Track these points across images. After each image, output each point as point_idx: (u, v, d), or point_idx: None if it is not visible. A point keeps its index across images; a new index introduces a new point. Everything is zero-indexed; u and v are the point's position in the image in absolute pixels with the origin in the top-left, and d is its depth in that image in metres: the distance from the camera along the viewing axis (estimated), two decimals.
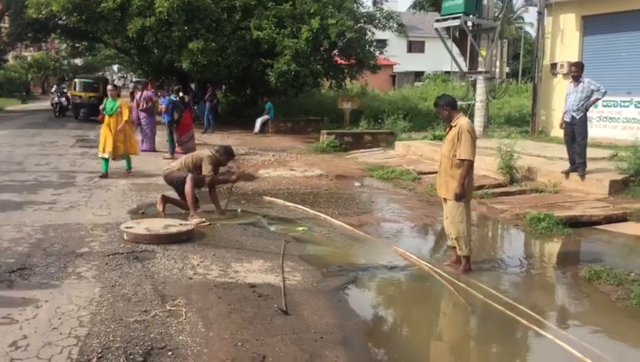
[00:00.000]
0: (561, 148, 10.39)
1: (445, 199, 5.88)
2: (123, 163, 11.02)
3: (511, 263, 6.39)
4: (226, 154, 7.88)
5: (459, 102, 17.81)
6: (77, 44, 34.38)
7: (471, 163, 5.58)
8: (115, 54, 41.03)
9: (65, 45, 40.17)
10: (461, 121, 5.65)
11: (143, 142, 14.53)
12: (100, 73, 73.80)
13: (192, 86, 24.02)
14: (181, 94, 15.27)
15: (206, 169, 7.52)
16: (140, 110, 14.54)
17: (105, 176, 10.40)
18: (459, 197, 5.62)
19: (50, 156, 12.91)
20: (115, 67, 73.71)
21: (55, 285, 4.96)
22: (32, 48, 48.39)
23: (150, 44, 18.83)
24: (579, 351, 4.11)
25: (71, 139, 16.17)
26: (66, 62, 48.34)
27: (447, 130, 5.89)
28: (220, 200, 8.00)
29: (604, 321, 4.90)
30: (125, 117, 10.67)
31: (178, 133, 13.92)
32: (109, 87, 11.26)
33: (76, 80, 24.87)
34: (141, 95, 14.84)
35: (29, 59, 45.83)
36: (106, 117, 10.61)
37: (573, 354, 4.09)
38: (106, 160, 10.54)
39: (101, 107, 10.86)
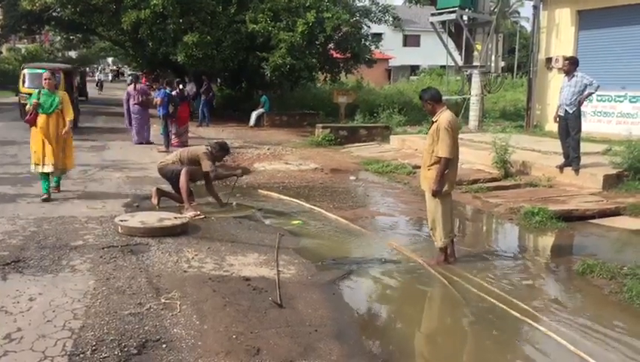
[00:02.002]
0: (555, 142, 10.42)
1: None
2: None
3: (505, 257, 6.42)
4: (222, 149, 7.88)
5: (455, 97, 17.94)
6: (71, 37, 34.22)
7: (447, 160, 5.58)
8: (110, 47, 40.85)
9: (59, 37, 39.97)
10: (442, 117, 5.63)
11: (136, 134, 14.56)
12: (96, 66, 72.61)
13: (187, 79, 23.91)
14: (181, 87, 15.28)
15: (206, 165, 7.52)
16: (135, 103, 14.52)
17: (48, 198, 7.87)
18: (434, 193, 5.69)
19: None
20: (110, 60, 73.24)
21: (49, 278, 4.95)
22: (25, 40, 48.06)
23: (145, 36, 18.77)
24: (571, 343, 4.14)
25: None
26: (60, 54, 48.04)
27: (430, 124, 5.90)
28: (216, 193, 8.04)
29: (596, 315, 4.92)
30: (69, 116, 8.03)
31: (176, 125, 13.97)
32: (46, 74, 8.21)
33: (25, 71, 16.77)
34: (134, 88, 14.81)
35: (23, 51, 45.51)
36: (42, 116, 7.86)
37: (566, 347, 4.12)
38: (47, 175, 7.94)
39: (32, 102, 7.85)
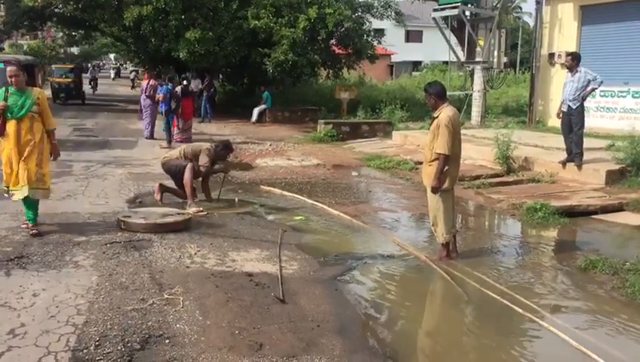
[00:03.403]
0: (558, 138, 10.41)
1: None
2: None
3: (507, 253, 6.42)
4: (225, 148, 7.90)
5: (457, 92, 17.87)
6: (73, 33, 34.23)
7: (446, 157, 5.56)
8: (112, 43, 40.92)
9: (61, 34, 39.97)
10: (443, 113, 5.61)
11: (147, 127, 14.73)
12: (96, 62, 71.22)
13: (191, 75, 23.95)
14: (185, 82, 15.35)
15: (203, 160, 7.54)
16: (147, 96, 14.68)
17: (37, 231, 6.06)
18: (434, 190, 5.69)
19: None
20: (112, 56, 73.09)
21: (52, 274, 4.96)
22: (28, 37, 48.04)
23: (147, 32, 18.77)
24: (574, 339, 4.14)
25: (67, 128, 16.13)
26: (62, 50, 48.04)
27: (432, 120, 5.89)
28: (212, 190, 8.04)
29: (599, 310, 4.92)
30: (50, 124, 6.14)
31: (182, 120, 14.04)
32: (11, 69, 6.01)
33: None
34: (148, 83, 14.96)
35: (25, 47, 45.53)
36: (11, 123, 5.92)
37: (569, 343, 4.12)
38: (29, 200, 6.07)
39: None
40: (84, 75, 33.57)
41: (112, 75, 56.51)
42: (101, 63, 77.86)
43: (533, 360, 4.14)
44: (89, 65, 48.37)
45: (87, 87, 32.17)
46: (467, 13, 16.15)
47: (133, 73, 43.20)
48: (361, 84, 25.99)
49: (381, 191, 9.71)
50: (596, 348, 4.01)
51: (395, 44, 40.73)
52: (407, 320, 4.72)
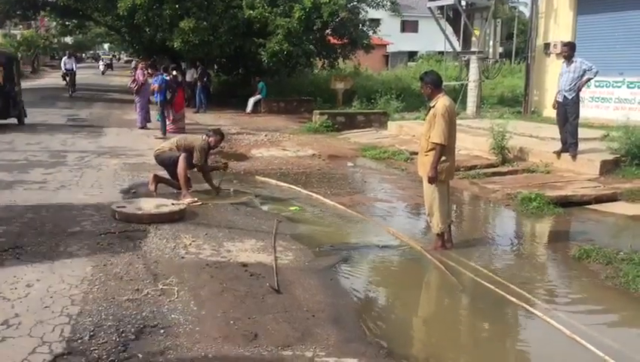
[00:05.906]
0: (553, 128, 10.42)
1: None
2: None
3: (502, 242, 6.44)
4: (216, 135, 7.86)
5: (453, 83, 17.84)
6: (67, 22, 33.93)
7: (442, 147, 5.56)
8: (106, 33, 40.63)
9: (55, 23, 39.64)
10: (439, 103, 5.60)
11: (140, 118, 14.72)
12: (91, 52, 70.60)
13: (186, 65, 23.81)
14: (174, 73, 15.25)
15: (196, 159, 7.52)
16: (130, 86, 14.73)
17: None
18: (431, 180, 5.68)
19: (41, 135, 12.80)
20: (106, 46, 72.44)
21: (47, 264, 4.94)
22: (21, 26, 47.65)
23: (141, 22, 18.63)
24: (568, 328, 4.16)
25: (61, 118, 16.04)
26: (56, 40, 47.68)
27: (427, 110, 5.87)
28: (213, 180, 8.03)
29: (593, 299, 4.95)
30: None
31: (173, 110, 13.99)
32: None
33: None
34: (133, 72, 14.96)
35: (19, 37, 45.14)
36: None
37: (562, 332, 4.14)
38: None
39: None
40: (65, 66, 23.19)
41: (102, 69, 44.74)
42: (99, 53, 75.75)
43: (527, 349, 4.17)
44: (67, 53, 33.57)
45: (62, 84, 24.00)
46: (463, 2, 16.11)
47: (134, 62, 42.30)
48: (356, 75, 25.89)
49: (376, 181, 9.71)
50: (590, 337, 4.03)
51: (390, 34, 40.52)
52: (402, 309, 4.74)
